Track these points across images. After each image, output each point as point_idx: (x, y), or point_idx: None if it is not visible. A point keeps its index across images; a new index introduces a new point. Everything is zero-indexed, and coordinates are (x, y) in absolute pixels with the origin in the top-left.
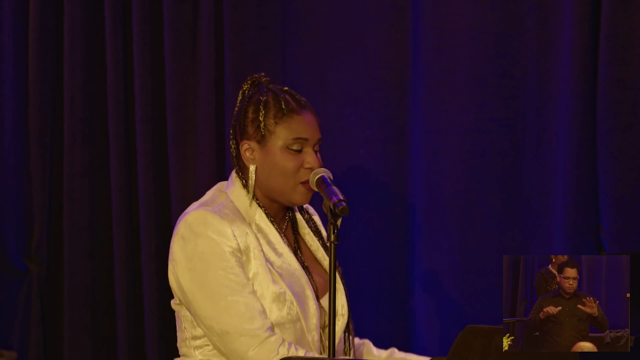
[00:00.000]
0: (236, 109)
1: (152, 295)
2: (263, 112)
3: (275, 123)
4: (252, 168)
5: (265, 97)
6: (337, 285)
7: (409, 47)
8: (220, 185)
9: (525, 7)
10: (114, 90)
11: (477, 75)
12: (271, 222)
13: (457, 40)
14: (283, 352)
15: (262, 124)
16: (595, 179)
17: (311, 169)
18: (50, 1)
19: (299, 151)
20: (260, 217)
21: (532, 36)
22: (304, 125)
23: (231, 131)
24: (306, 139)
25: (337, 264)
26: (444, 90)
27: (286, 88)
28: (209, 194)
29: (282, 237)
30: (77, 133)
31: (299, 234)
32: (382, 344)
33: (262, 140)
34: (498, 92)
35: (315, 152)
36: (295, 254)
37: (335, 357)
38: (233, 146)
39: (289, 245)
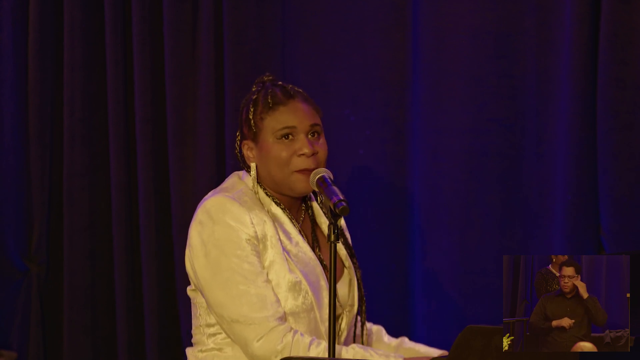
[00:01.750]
0: None
1: (152, 295)
2: (252, 110)
3: (262, 118)
4: (253, 166)
5: (256, 96)
6: (349, 277)
7: (408, 47)
8: (237, 173)
9: (525, 7)
10: (113, 90)
11: (477, 75)
12: (284, 211)
13: (456, 40)
14: (287, 340)
15: (252, 122)
16: (595, 179)
17: (304, 155)
18: (50, 1)
19: (291, 140)
20: (275, 208)
21: (532, 36)
22: (289, 115)
23: (237, 134)
24: (294, 127)
25: (353, 253)
26: (444, 90)
27: (280, 82)
28: (228, 182)
29: (296, 226)
30: (77, 133)
31: (316, 223)
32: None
33: (255, 137)
34: (498, 92)
35: (313, 137)
36: (312, 244)
37: (335, 357)
38: (238, 149)
39: (305, 235)
